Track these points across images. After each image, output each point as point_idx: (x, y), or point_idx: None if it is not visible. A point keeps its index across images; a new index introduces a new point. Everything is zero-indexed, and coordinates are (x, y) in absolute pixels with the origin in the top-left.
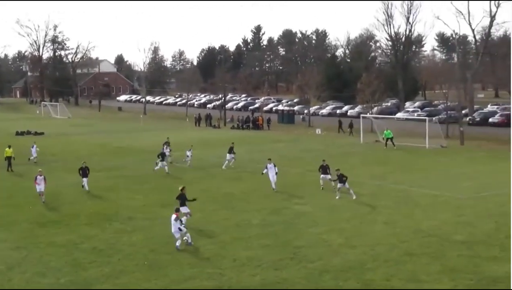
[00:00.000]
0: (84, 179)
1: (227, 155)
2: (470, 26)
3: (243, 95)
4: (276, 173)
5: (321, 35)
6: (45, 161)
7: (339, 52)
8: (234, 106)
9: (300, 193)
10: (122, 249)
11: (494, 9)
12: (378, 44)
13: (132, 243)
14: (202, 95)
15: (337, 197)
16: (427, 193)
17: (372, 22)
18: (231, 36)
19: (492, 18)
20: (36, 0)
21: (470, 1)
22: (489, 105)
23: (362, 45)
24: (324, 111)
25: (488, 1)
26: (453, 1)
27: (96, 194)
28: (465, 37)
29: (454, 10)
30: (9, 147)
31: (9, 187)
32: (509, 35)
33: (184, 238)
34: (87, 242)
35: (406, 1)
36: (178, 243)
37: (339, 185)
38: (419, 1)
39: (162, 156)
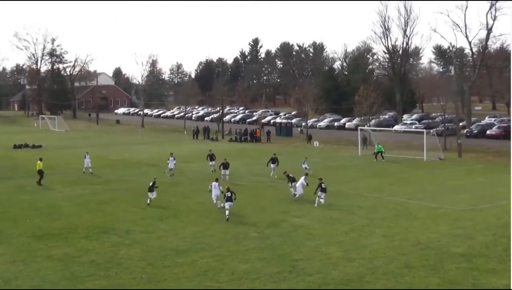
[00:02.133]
0: (149, 194)
1: (271, 165)
2: (467, 38)
3: (241, 108)
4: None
5: (319, 48)
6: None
7: (337, 65)
8: (232, 119)
9: (298, 206)
10: (119, 263)
11: (490, 22)
12: (375, 56)
13: (130, 256)
14: (200, 108)
15: (317, 205)
16: (425, 205)
17: (369, 35)
18: (228, 49)
19: (489, 31)
20: (33, 3)
21: (466, 14)
22: (486, 118)
23: (360, 57)
24: (322, 124)
25: (485, 14)
26: (449, 14)
27: (94, 207)
28: (462, 49)
29: (451, 22)
30: (41, 159)
31: (6, 200)
32: (506, 47)
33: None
34: (84, 256)
35: (404, 4)
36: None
37: (323, 194)
38: (417, 2)
39: (225, 166)
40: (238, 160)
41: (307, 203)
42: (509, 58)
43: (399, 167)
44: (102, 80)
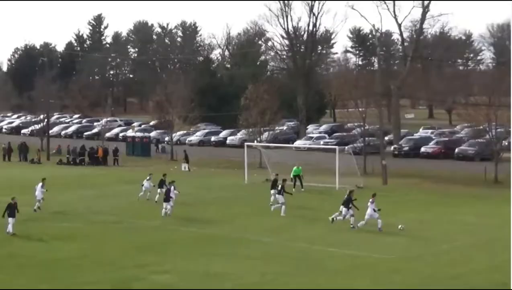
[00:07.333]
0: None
1: (158, 188)
2: (396, 20)
3: (76, 115)
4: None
5: (190, 30)
6: None
7: (216, 55)
8: (63, 132)
9: (160, 256)
10: None
11: None
12: (270, 43)
13: None
14: (15, 116)
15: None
16: (338, 252)
17: (262, 12)
18: (58, 30)
19: (425, 9)
20: None
21: None
22: (421, 129)
23: (248, 45)
24: (194, 138)
25: None
26: None
27: None
28: (389, 34)
29: None
30: None
31: None
32: (447, 32)
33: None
34: None
35: None
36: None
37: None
38: None
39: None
40: (72, 191)
41: (173, 252)
42: (452, 47)
43: (301, 199)
44: None
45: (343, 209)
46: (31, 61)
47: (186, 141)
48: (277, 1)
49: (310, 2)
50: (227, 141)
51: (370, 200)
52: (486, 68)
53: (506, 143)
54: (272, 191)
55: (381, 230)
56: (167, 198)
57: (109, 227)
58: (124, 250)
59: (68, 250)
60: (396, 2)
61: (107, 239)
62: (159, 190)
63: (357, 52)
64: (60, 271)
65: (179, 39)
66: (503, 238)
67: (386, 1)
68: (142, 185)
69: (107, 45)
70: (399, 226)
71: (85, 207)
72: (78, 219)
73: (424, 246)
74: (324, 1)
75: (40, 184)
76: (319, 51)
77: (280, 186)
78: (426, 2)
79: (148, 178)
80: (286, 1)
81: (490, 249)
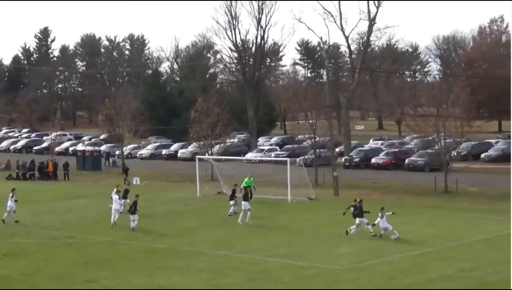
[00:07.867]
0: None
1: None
2: (343, 32)
3: (25, 130)
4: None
5: (138, 43)
6: None
7: (165, 68)
8: (12, 147)
9: (112, 270)
10: None
11: (373, 9)
12: (218, 56)
13: None
14: None
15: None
16: (290, 264)
17: (210, 25)
18: (4, 43)
19: (372, 21)
20: None
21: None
22: (371, 141)
23: (197, 57)
24: (145, 152)
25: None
26: None
27: None
28: (337, 47)
29: (322, 10)
30: None
31: None
32: (394, 44)
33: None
34: None
35: None
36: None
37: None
38: None
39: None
40: (22, 207)
41: (122, 266)
42: (398, 59)
43: (254, 211)
44: None
45: (359, 220)
46: None
47: (137, 155)
48: (225, 14)
49: (257, 15)
50: (178, 155)
51: (380, 214)
52: (433, 80)
53: (455, 154)
54: (231, 202)
55: (398, 237)
56: (134, 211)
57: (61, 243)
58: (76, 265)
59: (20, 266)
60: (342, 14)
61: (59, 255)
62: (123, 201)
63: (306, 64)
64: (12, 288)
65: (127, 52)
66: (454, 247)
67: (333, 14)
68: (111, 197)
69: (55, 59)
70: (393, 236)
71: (36, 222)
72: (29, 234)
73: (378, 256)
74: (272, 9)
75: (10, 194)
76: (268, 64)
77: (244, 193)
78: (372, 14)
79: (116, 190)
80: (233, 14)
81: (442, 258)
